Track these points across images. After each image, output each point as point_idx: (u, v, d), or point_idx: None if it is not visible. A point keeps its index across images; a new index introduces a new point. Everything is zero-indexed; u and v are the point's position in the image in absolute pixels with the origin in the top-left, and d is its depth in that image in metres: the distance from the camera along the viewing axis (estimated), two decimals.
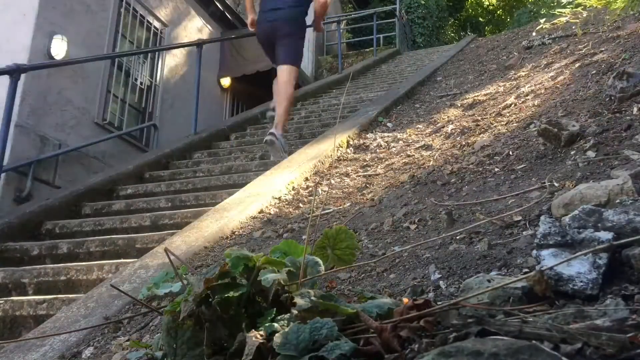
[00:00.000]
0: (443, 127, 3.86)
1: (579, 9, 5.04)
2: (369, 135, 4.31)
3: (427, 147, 3.42)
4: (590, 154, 1.98)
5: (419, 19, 15.09)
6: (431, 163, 2.93)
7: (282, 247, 1.25)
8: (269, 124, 4.68)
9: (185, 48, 7.74)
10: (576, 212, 1.22)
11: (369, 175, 3.18)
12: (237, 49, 8.96)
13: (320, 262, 1.20)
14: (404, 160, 3.26)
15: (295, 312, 0.97)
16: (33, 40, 5.37)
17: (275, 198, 3.09)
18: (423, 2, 15.18)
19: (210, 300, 1.03)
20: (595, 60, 3.76)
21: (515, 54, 6.32)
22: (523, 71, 4.92)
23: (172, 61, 7.80)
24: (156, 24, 7.59)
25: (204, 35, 8.43)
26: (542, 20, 5.98)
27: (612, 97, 2.53)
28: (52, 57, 5.51)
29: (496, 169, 2.33)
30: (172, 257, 1.22)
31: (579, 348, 0.72)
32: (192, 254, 2.44)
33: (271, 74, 4.37)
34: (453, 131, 3.61)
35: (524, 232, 1.49)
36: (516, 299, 0.97)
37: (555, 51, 5.12)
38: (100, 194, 4.45)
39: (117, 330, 1.91)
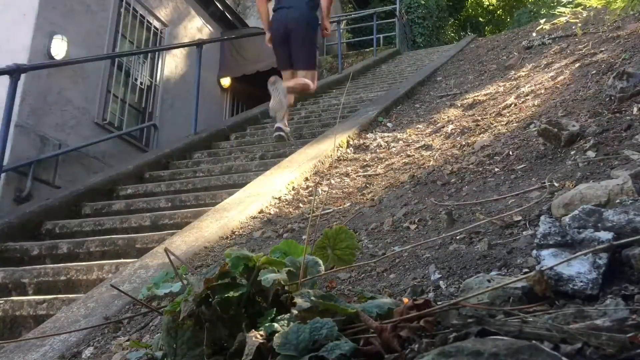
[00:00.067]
0: (443, 127, 3.86)
1: (579, 9, 5.05)
2: (369, 135, 4.31)
3: (427, 147, 3.42)
4: (590, 154, 1.98)
5: (419, 19, 15.09)
6: (431, 163, 2.93)
7: (282, 247, 1.25)
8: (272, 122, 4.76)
9: (185, 48, 7.74)
10: (576, 212, 1.22)
11: (369, 175, 3.18)
12: (237, 49, 8.96)
13: (320, 262, 1.20)
14: (404, 160, 3.26)
15: (295, 312, 0.97)
16: (33, 40, 5.37)
17: (275, 198, 3.10)
18: (423, 2, 15.18)
19: (210, 300, 1.03)
20: (595, 60, 3.76)
21: (515, 54, 6.31)
22: (523, 71, 4.92)
23: (172, 61, 7.80)
24: (156, 24, 7.59)
25: (204, 35, 8.44)
26: (542, 20, 5.99)
27: (612, 97, 2.53)
28: (52, 57, 5.51)
29: (496, 169, 2.33)
30: (172, 257, 1.22)
31: (579, 348, 0.72)
32: (192, 254, 2.45)
33: (271, 74, 4.36)
34: (453, 131, 3.61)
35: (524, 232, 1.49)
36: (516, 299, 0.97)
37: (555, 51, 5.12)
38: (100, 194, 4.45)
39: (117, 330, 1.91)
